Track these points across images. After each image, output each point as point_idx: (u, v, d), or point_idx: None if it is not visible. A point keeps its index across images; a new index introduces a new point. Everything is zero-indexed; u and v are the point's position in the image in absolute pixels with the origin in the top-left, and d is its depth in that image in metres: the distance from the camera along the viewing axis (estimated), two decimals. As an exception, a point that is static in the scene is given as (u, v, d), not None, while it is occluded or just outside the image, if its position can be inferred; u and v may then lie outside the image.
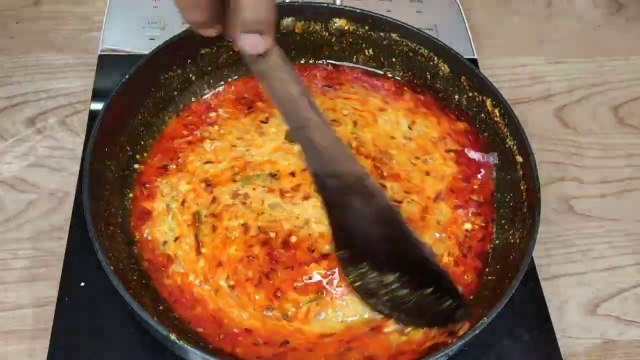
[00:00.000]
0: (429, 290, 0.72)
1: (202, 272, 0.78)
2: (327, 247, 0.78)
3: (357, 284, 0.75)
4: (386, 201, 0.73)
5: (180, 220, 0.81)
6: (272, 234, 0.80)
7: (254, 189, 0.83)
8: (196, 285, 0.77)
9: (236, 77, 0.96)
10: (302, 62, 0.98)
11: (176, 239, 0.80)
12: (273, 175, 0.85)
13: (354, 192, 0.70)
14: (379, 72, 0.98)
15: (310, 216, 0.81)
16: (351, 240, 0.74)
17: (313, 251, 0.79)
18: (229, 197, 0.83)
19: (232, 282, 0.77)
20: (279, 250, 0.79)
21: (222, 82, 0.95)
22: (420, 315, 0.74)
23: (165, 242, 0.80)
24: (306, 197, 0.82)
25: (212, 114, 0.92)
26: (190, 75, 0.92)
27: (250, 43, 0.59)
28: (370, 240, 0.73)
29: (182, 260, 0.79)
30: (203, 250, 0.79)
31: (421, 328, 0.74)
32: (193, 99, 0.93)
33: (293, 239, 0.80)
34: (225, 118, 0.92)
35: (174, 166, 0.86)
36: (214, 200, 0.83)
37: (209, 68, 0.93)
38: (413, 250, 0.73)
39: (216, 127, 0.91)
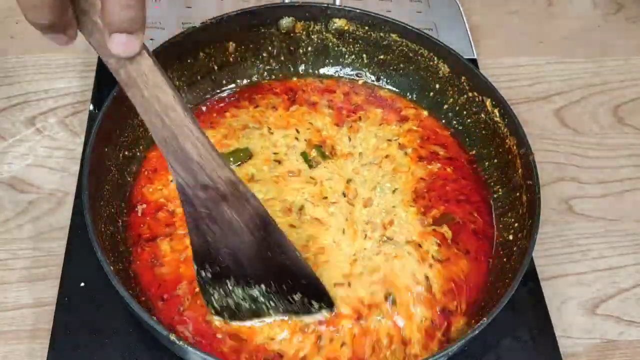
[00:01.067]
0: (298, 296, 0.71)
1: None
2: None
3: (217, 306, 0.72)
4: (260, 205, 0.66)
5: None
6: None
7: None
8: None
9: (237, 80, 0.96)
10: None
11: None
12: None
13: (227, 200, 0.64)
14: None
15: None
16: (217, 258, 0.69)
17: None
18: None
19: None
20: None
21: (224, 84, 0.96)
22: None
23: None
24: None
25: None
26: (191, 76, 0.92)
27: (124, 44, 0.52)
28: (240, 252, 0.68)
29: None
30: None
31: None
32: (193, 100, 0.93)
33: None
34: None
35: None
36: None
37: (209, 69, 0.93)
38: (285, 254, 0.69)
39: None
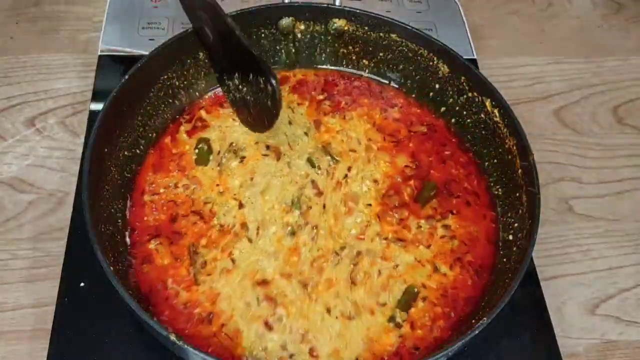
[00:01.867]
0: (252, 75, 0.83)
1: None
2: None
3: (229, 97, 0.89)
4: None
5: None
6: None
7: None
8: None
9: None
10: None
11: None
12: None
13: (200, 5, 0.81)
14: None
15: None
16: (215, 51, 0.86)
17: None
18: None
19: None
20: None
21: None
22: (259, 114, 0.85)
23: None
24: None
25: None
26: (190, 76, 0.92)
27: None
28: (221, 42, 0.84)
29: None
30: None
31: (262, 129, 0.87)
32: (194, 100, 0.93)
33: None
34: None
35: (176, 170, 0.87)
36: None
37: (209, 69, 0.93)
38: (239, 41, 0.80)
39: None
